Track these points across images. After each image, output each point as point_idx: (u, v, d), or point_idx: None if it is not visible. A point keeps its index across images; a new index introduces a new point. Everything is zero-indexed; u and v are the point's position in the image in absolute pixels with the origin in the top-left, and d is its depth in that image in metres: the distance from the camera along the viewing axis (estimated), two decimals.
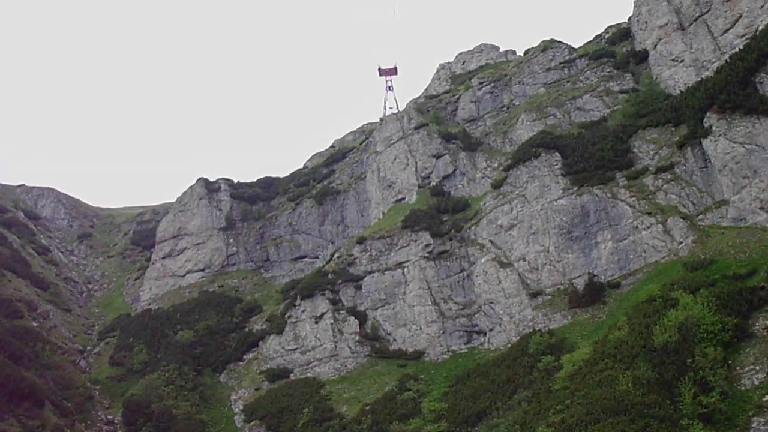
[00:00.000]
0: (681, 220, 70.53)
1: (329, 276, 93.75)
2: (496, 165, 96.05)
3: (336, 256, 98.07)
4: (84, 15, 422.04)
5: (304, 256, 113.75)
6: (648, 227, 72.52)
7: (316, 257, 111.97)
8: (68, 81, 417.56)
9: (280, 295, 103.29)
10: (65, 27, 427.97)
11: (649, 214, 73.25)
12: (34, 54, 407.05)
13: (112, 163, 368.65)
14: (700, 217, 70.14)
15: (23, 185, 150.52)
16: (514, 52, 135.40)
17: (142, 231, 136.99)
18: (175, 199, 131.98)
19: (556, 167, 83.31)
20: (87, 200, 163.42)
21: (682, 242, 69.02)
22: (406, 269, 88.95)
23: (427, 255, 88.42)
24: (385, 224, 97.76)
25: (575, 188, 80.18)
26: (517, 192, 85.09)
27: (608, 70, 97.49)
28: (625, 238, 74.05)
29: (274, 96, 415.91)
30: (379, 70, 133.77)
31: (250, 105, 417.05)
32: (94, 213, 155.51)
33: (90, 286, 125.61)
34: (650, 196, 75.20)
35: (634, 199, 75.70)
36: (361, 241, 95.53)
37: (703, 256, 64.88)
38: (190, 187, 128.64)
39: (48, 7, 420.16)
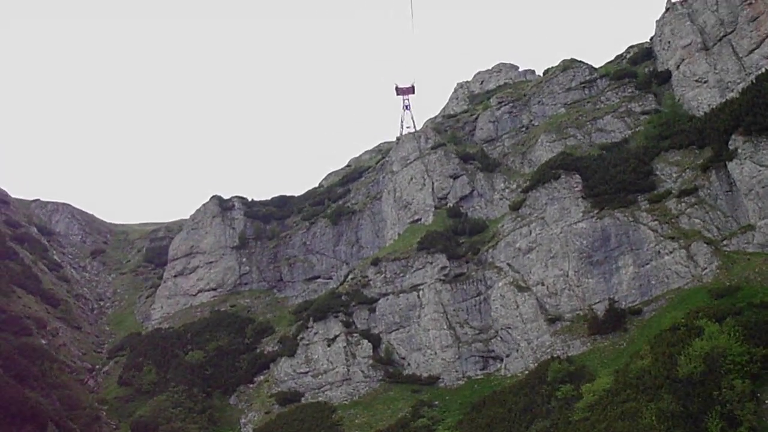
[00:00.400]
0: (705, 245, 68.76)
1: (343, 298, 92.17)
2: (514, 186, 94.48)
3: (350, 277, 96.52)
4: (106, 30, 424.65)
5: (318, 277, 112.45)
6: (671, 252, 70.76)
7: (330, 278, 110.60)
8: (87, 96, 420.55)
9: (293, 316, 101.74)
10: (88, 41, 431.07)
11: (672, 238, 71.50)
12: (52, 70, 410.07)
13: (128, 179, 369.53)
14: (725, 242, 68.33)
15: (38, 200, 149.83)
16: (533, 72, 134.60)
17: (156, 248, 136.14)
18: (188, 217, 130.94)
19: (576, 189, 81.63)
20: (102, 216, 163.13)
21: (706, 268, 67.24)
22: (421, 292, 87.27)
23: (443, 278, 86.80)
24: (401, 245, 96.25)
25: (596, 211, 78.45)
26: (536, 214, 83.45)
27: (630, 90, 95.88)
28: (647, 263, 72.22)
29: (291, 114, 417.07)
30: (397, 89, 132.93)
31: (267, 122, 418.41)
32: (108, 229, 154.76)
33: (101, 303, 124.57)
34: (673, 220, 73.43)
35: (656, 223, 73.96)
36: (375, 262, 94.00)
37: (728, 283, 63.22)
38: (204, 204, 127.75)
39: (76, 24, 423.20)
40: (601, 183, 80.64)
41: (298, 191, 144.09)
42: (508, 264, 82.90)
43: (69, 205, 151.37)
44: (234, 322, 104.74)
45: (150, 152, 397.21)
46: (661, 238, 72.20)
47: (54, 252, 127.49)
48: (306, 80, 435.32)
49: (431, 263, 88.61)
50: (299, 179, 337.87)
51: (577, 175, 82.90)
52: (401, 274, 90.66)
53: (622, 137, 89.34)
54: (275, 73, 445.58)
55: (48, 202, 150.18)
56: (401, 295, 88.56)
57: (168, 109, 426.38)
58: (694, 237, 70.07)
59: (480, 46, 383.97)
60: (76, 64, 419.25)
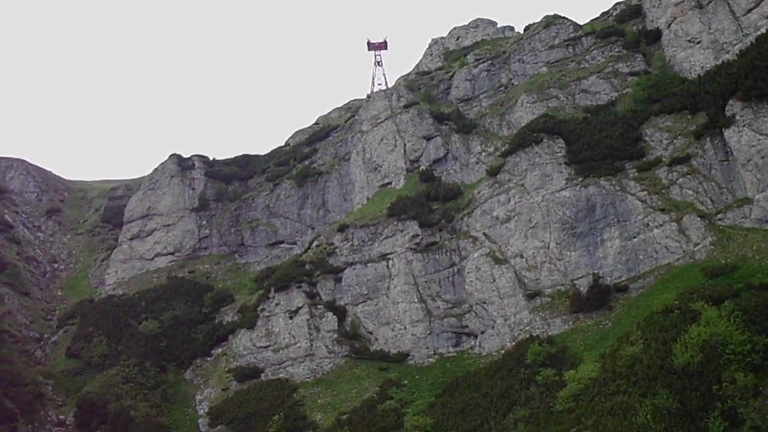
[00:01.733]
0: (698, 218, 64.78)
1: (307, 266, 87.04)
2: (492, 150, 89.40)
3: (315, 244, 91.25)
4: None
5: (282, 242, 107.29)
6: (660, 225, 66.76)
7: (294, 243, 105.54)
8: (46, 48, 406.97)
9: (254, 283, 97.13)
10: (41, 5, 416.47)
11: (663, 210, 67.50)
12: (8, 20, 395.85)
13: (90, 133, 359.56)
14: (719, 216, 64.35)
15: None
16: (512, 29, 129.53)
17: (114, 207, 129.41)
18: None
19: (559, 155, 77.05)
20: (60, 172, 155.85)
21: (699, 244, 63.36)
22: (390, 262, 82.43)
23: (414, 247, 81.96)
24: (370, 211, 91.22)
25: (580, 179, 74.08)
26: (515, 181, 78.75)
27: (617, 50, 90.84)
28: (635, 237, 68.16)
29: (258, 69, 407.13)
30: (368, 43, 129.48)
31: (233, 77, 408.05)
32: (66, 186, 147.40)
33: (55, 265, 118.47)
34: (663, 191, 69.43)
35: (645, 193, 69.87)
36: (342, 228, 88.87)
37: (723, 261, 59.44)
38: (162, 163, 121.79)
39: None
40: (586, 148, 76.20)
41: (263, 150, 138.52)
42: (485, 234, 78.23)
43: (24, 161, 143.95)
44: (192, 289, 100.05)
45: (112, 106, 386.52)
46: (650, 210, 68.23)
47: (6, 211, 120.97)
48: (274, 34, 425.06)
49: (402, 231, 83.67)
50: (265, 138, 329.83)
51: (561, 140, 78.28)
52: (369, 242, 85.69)
53: (609, 99, 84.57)
54: (241, 26, 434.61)
55: (1, 158, 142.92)
56: (369, 264, 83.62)
57: (132, 61, 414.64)
58: (686, 209, 66.15)
59: (456, 1, 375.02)
60: (33, 15, 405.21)
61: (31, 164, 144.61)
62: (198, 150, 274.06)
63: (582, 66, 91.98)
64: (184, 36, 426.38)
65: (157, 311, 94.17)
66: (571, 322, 65.82)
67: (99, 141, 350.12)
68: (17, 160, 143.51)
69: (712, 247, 62.00)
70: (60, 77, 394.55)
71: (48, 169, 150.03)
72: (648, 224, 67.58)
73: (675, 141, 72.40)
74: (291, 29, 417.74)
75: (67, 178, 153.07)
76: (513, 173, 79.84)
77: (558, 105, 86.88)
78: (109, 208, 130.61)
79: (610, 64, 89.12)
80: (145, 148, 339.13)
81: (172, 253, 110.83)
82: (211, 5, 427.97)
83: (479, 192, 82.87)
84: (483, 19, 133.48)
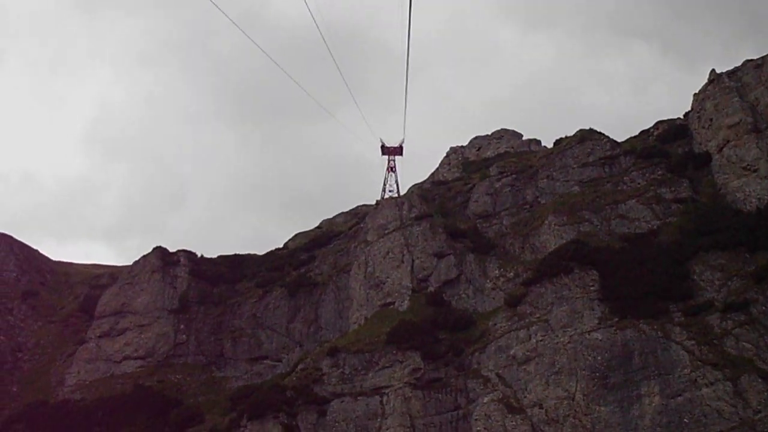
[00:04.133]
0: (760, 379, 55.09)
1: (288, 393, 75.78)
2: (512, 275, 79.60)
3: (300, 367, 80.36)
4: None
5: (266, 357, 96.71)
6: (712, 383, 56.82)
7: (279, 360, 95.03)
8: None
9: (230, 402, 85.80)
10: None
11: (714, 365, 57.68)
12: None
13: (94, 214, 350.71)
14: None
15: None
16: (538, 142, 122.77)
17: (95, 296, 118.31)
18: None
19: (591, 289, 67.43)
20: (48, 252, 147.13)
21: (760, 411, 53.78)
22: (385, 397, 71.20)
23: (414, 382, 71.03)
24: (366, 333, 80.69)
25: (615, 319, 64.26)
26: (538, 315, 68.69)
27: (660, 172, 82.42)
28: (680, 395, 57.84)
29: (265, 164, 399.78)
30: (383, 147, 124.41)
31: (240, 172, 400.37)
32: (50, 268, 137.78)
33: (19, 355, 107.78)
34: (716, 341, 59.82)
35: (693, 342, 60.06)
36: (333, 352, 78.05)
37: None
38: (144, 256, 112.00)
39: None
40: (624, 284, 66.68)
41: (261, 249, 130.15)
42: (498, 375, 67.52)
43: (9, 236, 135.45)
44: (157, 402, 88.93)
45: (114, 188, 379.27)
46: (699, 364, 58.26)
47: None
48: (286, 130, 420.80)
49: (401, 362, 72.91)
50: (264, 236, 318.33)
51: (594, 271, 68.80)
52: (363, 371, 74.76)
53: (649, 228, 75.68)
54: (253, 116, 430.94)
55: None
56: (360, 398, 72.40)
57: (143, 140, 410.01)
58: (744, 367, 56.37)
59: (477, 110, 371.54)
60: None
61: (16, 241, 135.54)
62: (190, 243, 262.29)
63: (619, 188, 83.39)
64: (186, 120, 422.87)
65: (114, 426, 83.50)
66: None
67: (99, 224, 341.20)
68: (1, 235, 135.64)
69: None
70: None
71: (35, 248, 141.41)
72: (696, 381, 57.53)
73: (729, 283, 63.75)
74: (305, 129, 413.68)
75: (55, 259, 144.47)
76: (536, 306, 69.91)
77: (591, 230, 77.72)
78: (89, 296, 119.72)
79: (651, 188, 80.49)
80: (140, 236, 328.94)
81: (142, 358, 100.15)
82: (230, 94, 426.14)
83: (495, 324, 72.62)
84: (507, 129, 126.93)
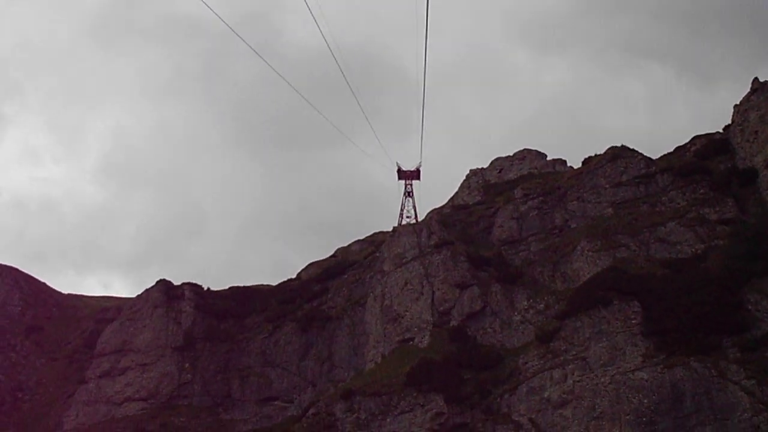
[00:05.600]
0: None
1: None
2: (542, 306, 73.63)
3: (311, 412, 74.35)
4: None
5: (276, 398, 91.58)
6: None
7: (291, 401, 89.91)
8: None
9: None
10: None
11: None
12: None
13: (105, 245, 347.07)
14: None
15: None
16: (564, 162, 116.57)
17: (101, 331, 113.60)
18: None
19: (633, 322, 61.63)
20: (65, 283, 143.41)
21: None
22: None
23: (437, 428, 65.36)
24: (384, 374, 74.77)
25: (662, 356, 58.60)
26: (574, 352, 62.80)
27: (702, 191, 76.20)
28: None
29: (281, 191, 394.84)
30: (399, 171, 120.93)
31: (257, 195, 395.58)
32: (57, 301, 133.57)
33: (19, 395, 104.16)
34: None
35: (753, 382, 54.39)
36: (347, 395, 72.04)
37: None
38: (147, 290, 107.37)
39: None
40: (669, 316, 61.04)
41: (274, 279, 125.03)
42: (531, 420, 61.58)
43: (15, 269, 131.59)
44: None
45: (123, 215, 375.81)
46: (761, 407, 52.88)
47: None
48: (303, 159, 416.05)
49: (423, 405, 66.99)
50: (283, 267, 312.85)
51: (636, 302, 63.04)
52: (380, 417, 68.68)
53: (693, 252, 69.61)
54: (270, 145, 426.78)
55: None
56: None
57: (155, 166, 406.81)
58: None
59: (495, 133, 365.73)
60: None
61: (22, 273, 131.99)
62: (209, 273, 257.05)
63: (657, 209, 77.28)
64: (220, 155, 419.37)
65: None
66: None
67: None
68: (7, 267, 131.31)
69: None
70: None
71: (43, 281, 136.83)
72: (759, 426, 52.15)
73: None
74: (323, 157, 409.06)
75: (64, 291, 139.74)
76: (572, 342, 63.92)
77: (628, 256, 71.66)
78: (95, 331, 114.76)
79: (693, 208, 74.34)
80: (159, 266, 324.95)
81: (144, 399, 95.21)
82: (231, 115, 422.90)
83: (525, 362, 66.49)
84: (531, 150, 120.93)
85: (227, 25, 45.31)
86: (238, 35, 46.95)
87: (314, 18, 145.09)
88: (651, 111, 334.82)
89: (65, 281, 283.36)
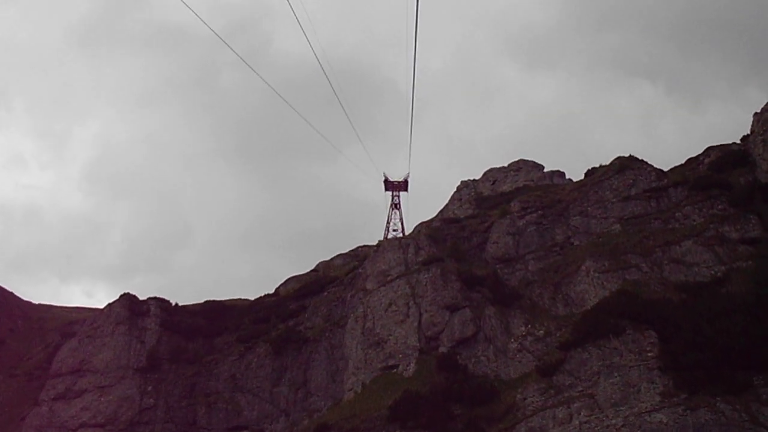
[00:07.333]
0: None
1: None
2: (542, 333, 65.98)
3: None
4: None
5: (245, 427, 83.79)
6: None
7: (261, 431, 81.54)
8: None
9: None
10: None
11: None
12: None
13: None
14: None
15: None
16: (562, 174, 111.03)
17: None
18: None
19: (649, 354, 53.84)
20: (48, 292, 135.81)
21: None
22: None
23: None
24: (364, 406, 67.11)
25: (683, 396, 50.48)
26: (580, 388, 54.92)
27: (720, 207, 69.17)
28: None
29: (263, 203, 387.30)
30: (386, 182, 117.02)
31: (242, 206, 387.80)
32: (24, 312, 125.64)
33: None
34: None
35: None
36: (322, 429, 64.58)
37: None
38: (109, 304, 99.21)
39: None
40: (690, 348, 53.10)
41: (258, 292, 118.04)
42: None
43: None
44: None
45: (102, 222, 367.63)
46: None
47: None
48: (289, 169, 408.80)
49: None
50: (267, 278, 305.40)
51: (652, 332, 55.17)
52: None
53: (713, 275, 62.11)
54: (256, 155, 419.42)
55: None
56: None
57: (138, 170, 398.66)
58: None
59: (484, 146, 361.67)
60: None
61: None
62: (194, 283, 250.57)
63: (671, 226, 70.22)
64: (205, 164, 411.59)
65: None
66: None
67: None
68: None
69: None
70: None
71: (10, 290, 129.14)
72: None
73: None
74: (309, 168, 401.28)
75: (35, 302, 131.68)
76: (577, 376, 56.10)
77: (639, 278, 64.33)
78: (59, 345, 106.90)
79: (711, 225, 67.11)
80: (142, 275, 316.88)
81: (102, 425, 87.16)
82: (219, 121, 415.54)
83: (524, 397, 58.60)
84: (527, 160, 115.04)
85: (216, 34, 44.94)
86: (226, 44, 45.64)
87: (303, 32, 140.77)
88: (642, 127, 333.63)
89: (48, 289, 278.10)
